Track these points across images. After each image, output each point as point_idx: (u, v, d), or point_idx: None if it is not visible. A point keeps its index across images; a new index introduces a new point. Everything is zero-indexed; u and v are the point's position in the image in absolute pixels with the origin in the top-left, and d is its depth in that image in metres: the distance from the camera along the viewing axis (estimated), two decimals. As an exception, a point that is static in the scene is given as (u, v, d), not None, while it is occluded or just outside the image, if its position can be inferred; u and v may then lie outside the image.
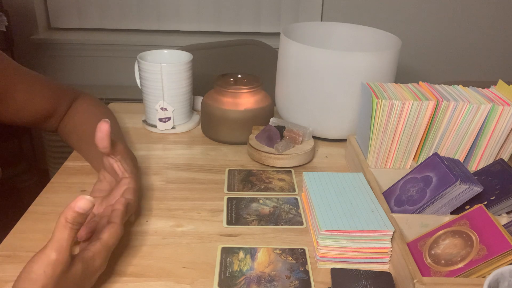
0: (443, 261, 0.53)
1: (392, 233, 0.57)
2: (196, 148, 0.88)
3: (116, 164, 0.63)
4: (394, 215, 0.62)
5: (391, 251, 0.58)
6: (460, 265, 0.52)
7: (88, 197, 0.44)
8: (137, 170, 0.68)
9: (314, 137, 0.88)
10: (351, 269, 0.54)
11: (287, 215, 0.69)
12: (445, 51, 2.00)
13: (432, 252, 0.55)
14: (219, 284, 0.55)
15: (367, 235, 0.57)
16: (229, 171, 0.80)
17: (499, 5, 1.91)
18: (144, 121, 0.95)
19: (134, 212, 0.63)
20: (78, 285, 0.48)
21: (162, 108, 0.90)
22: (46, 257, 0.44)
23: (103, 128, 0.58)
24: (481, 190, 0.60)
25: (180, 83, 0.89)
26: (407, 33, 1.93)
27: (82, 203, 0.44)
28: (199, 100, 1.01)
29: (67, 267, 0.45)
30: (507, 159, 0.73)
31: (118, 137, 0.77)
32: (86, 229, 0.57)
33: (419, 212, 0.63)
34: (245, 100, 0.87)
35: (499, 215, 0.63)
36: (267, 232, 0.65)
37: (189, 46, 1.39)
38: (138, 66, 0.91)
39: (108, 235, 0.52)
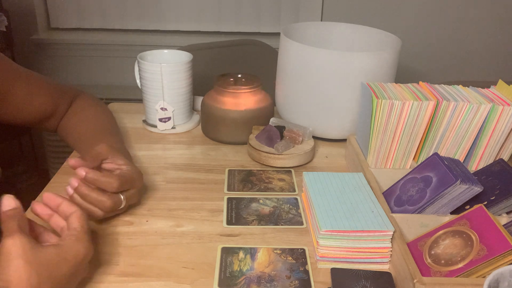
0: (443, 261, 0.53)
1: (392, 233, 0.57)
2: (196, 148, 0.88)
3: (111, 165, 0.65)
4: (394, 215, 0.62)
5: (391, 251, 0.58)
6: (460, 265, 0.52)
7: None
8: (130, 160, 0.70)
9: (314, 137, 0.88)
10: (351, 269, 0.54)
11: (287, 215, 0.69)
12: (445, 51, 2.00)
13: (432, 252, 0.55)
14: (219, 284, 0.55)
15: (367, 235, 0.57)
16: (229, 171, 0.80)
17: (499, 5, 1.91)
18: (144, 121, 0.95)
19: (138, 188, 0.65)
20: (55, 265, 0.47)
21: (162, 108, 0.90)
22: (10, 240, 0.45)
23: (73, 165, 0.61)
24: (481, 190, 0.60)
25: (180, 83, 0.89)
26: (407, 33, 1.93)
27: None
28: (199, 100, 1.01)
29: (33, 247, 0.46)
30: (507, 159, 0.73)
31: (116, 137, 0.77)
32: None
33: (419, 212, 0.63)
34: (245, 100, 0.87)
35: (499, 215, 0.63)
36: (267, 232, 0.65)
37: (189, 46, 1.39)
38: (138, 66, 0.91)
39: (78, 222, 0.52)
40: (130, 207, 0.69)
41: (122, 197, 0.63)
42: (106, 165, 0.66)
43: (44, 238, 0.54)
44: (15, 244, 0.45)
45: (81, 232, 0.51)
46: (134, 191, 0.65)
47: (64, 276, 0.48)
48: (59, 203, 0.54)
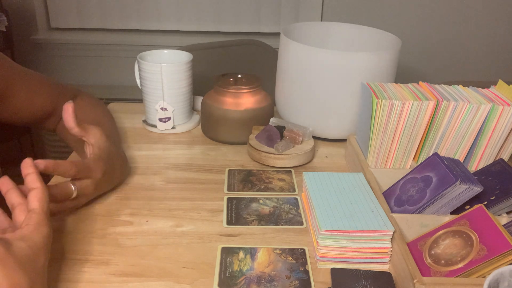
0: (443, 261, 0.53)
1: (392, 233, 0.58)
2: (196, 148, 0.88)
3: (89, 148, 0.65)
4: (394, 215, 0.62)
5: (391, 251, 0.58)
6: (460, 265, 0.52)
7: None
8: (115, 157, 0.69)
9: (314, 137, 0.88)
10: (351, 269, 0.54)
11: (287, 215, 0.69)
12: (445, 51, 2.00)
13: (432, 252, 0.55)
14: (219, 284, 0.55)
15: (367, 235, 0.57)
16: (229, 171, 0.80)
17: (499, 5, 1.91)
18: (144, 121, 0.95)
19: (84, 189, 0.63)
20: (34, 259, 0.46)
21: (162, 108, 0.90)
22: None
23: (66, 109, 0.61)
24: (481, 190, 0.60)
25: (180, 83, 0.89)
26: (407, 33, 1.93)
27: None
28: (199, 100, 1.01)
29: (6, 249, 0.43)
30: (507, 159, 0.73)
31: (115, 137, 0.77)
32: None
33: (419, 212, 0.63)
34: (245, 100, 0.87)
35: (499, 215, 0.63)
36: (267, 232, 0.65)
37: (189, 46, 1.39)
38: (138, 66, 0.91)
39: (38, 202, 0.50)
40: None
41: (73, 186, 0.61)
42: (86, 145, 0.66)
43: (3, 226, 0.52)
44: None
45: (41, 214, 0.49)
46: (89, 182, 0.64)
47: (43, 264, 0.48)
48: (28, 173, 0.51)
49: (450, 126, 0.71)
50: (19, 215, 0.51)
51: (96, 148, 0.65)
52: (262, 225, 0.67)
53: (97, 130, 0.66)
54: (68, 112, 0.61)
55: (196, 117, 0.98)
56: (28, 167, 0.52)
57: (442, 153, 0.74)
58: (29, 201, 0.50)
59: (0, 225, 0.53)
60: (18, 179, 0.54)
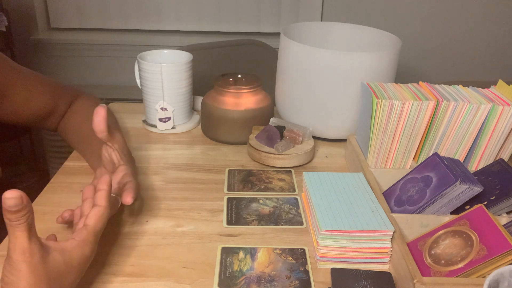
0: (443, 261, 0.53)
1: (392, 233, 0.57)
2: (196, 148, 0.88)
3: (114, 153, 0.64)
4: (394, 215, 0.62)
5: (391, 251, 0.58)
6: (460, 265, 0.52)
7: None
8: (133, 163, 0.69)
9: (314, 137, 0.88)
10: (351, 269, 0.54)
11: (287, 215, 0.69)
12: (445, 51, 2.00)
13: (432, 252, 0.55)
14: (219, 284, 0.55)
15: (367, 235, 0.57)
16: (229, 171, 0.80)
17: (499, 5, 1.91)
18: (144, 121, 0.95)
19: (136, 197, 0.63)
20: (63, 275, 0.46)
21: (162, 108, 0.90)
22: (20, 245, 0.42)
23: (100, 112, 0.60)
24: (481, 190, 0.60)
25: (180, 83, 0.89)
26: (407, 33, 1.93)
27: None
28: (199, 100, 1.01)
29: (42, 257, 0.43)
30: (507, 159, 0.73)
31: None
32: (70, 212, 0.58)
33: (419, 212, 0.63)
34: (245, 100, 0.87)
35: (499, 215, 0.63)
36: (267, 232, 0.65)
37: (189, 46, 1.39)
38: (138, 66, 0.91)
39: (95, 221, 0.50)
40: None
41: (119, 199, 0.62)
42: (110, 150, 0.64)
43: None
44: (24, 254, 0.42)
45: (91, 232, 0.50)
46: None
47: (73, 282, 0.48)
48: (101, 189, 0.52)
49: (450, 126, 0.71)
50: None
51: (122, 154, 0.65)
52: (262, 225, 0.67)
53: (121, 136, 0.66)
54: (101, 115, 0.61)
55: (196, 117, 0.98)
56: (103, 183, 0.52)
57: (442, 153, 0.74)
58: (88, 216, 0.51)
59: (76, 219, 0.56)
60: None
